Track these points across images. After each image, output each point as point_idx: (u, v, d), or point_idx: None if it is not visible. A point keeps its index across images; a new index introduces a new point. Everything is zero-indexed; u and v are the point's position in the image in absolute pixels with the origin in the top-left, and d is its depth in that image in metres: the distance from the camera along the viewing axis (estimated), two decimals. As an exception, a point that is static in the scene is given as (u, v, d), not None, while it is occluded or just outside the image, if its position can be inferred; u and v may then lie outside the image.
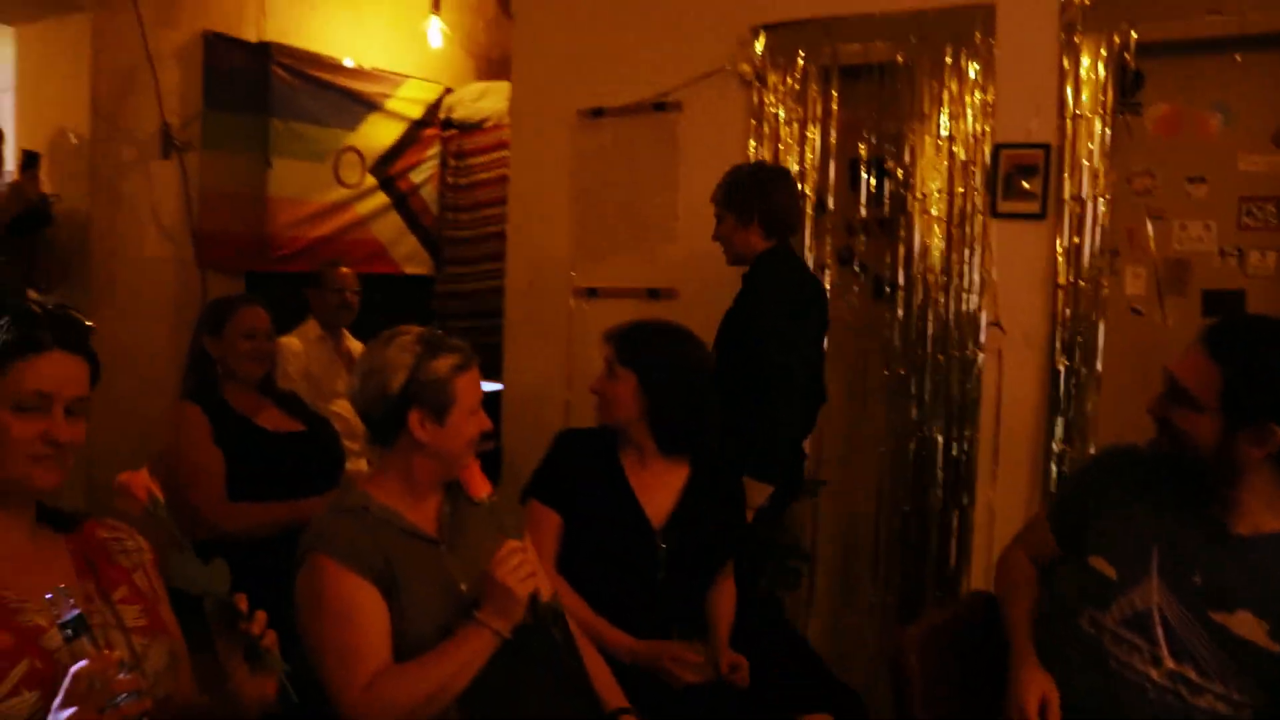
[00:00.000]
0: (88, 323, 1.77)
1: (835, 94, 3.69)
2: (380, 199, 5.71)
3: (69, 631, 1.46)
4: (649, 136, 4.05)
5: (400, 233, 5.84)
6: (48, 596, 1.51)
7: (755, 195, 3.21)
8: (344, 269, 4.59)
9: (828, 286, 3.67)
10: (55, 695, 1.41)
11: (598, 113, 4.17)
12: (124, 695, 1.39)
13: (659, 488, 2.53)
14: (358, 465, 3.94)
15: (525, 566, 1.93)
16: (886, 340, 3.65)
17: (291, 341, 4.34)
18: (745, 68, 3.81)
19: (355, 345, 4.72)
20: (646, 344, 2.55)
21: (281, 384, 3.48)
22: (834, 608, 3.89)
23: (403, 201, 5.83)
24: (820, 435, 3.67)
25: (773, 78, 3.76)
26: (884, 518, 3.68)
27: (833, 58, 3.68)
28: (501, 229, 5.71)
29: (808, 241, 3.73)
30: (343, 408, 4.36)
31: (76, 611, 1.47)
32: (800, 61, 3.71)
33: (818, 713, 2.35)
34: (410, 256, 5.91)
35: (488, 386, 4.65)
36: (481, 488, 2.05)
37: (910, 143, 3.55)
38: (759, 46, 3.77)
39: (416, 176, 5.91)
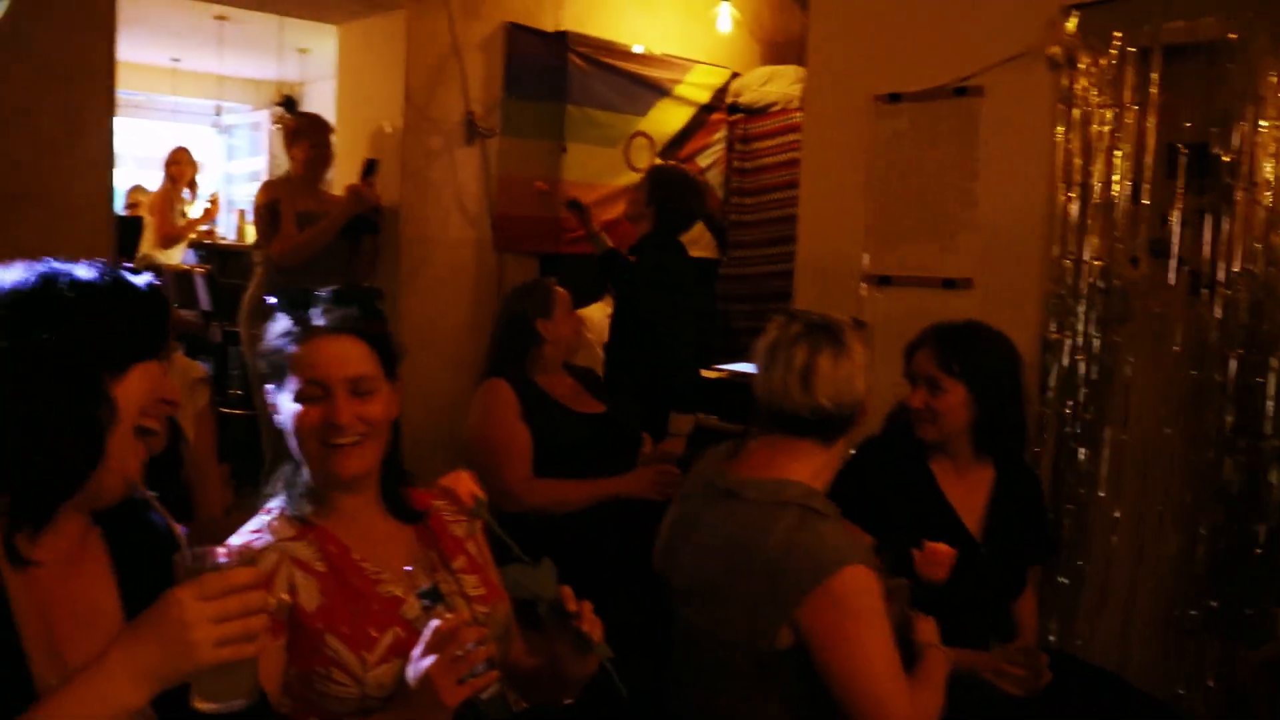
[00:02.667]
0: (374, 300, 1.81)
1: (1155, 76, 3.47)
2: (669, 183, 5.80)
3: (427, 601, 1.57)
4: (948, 122, 3.92)
5: (687, 217, 5.92)
6: (408, 568, 1.62)
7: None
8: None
9: (1138, 280, 3.47)
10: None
11: (895, 98, 4.08)
12: (480, 666, 1.49)
13: (969, 492, 2.44)
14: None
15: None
16: (1200, 340, 3.41)
17: (592, 311, 4.49)
18: (1055, 50, 3.62)
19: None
20: (969, 348, 2.42)
21: (583, 356, 3.60)
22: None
23: (690, 186, 5.90)
24: (1123, 436, 3.48)
25: (1084, 60, 3.56)
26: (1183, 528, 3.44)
27: (1153, 37, 3.45)
28: (787, 214, 5.71)
29: (1118, 232, 3.53)
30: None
31: (433, 582, 1.58)
32: (1116, 42, 3.50)
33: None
34: (696, 240, 5.97)
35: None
36: None
37: (1241, 128, 3.30)
38: (1070, 26, 3.58)
39: (703, 160, 5.98)
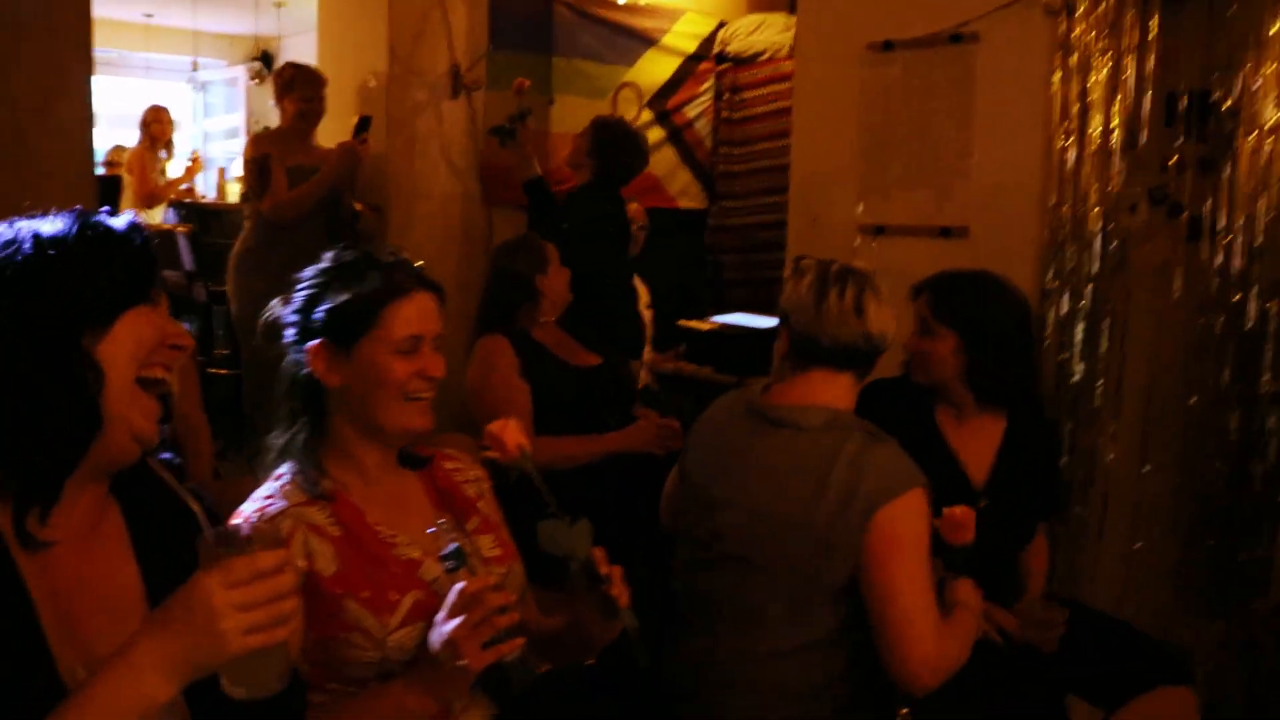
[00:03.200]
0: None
1: (1154, 22, 3.43)
2: (656, 133, 5.76)
3: (450, 563, 1.55)
4: (943, 70, 3.88)
5: (675, 167, 5.89)
6: (430, 530, 1.61)
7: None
8: (634, 204, 4.66)
9: (1137, 228, 3.45)
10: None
11: (888, 46, 4.02)
12: (503, 632, 1.47)
13: (977, 443, 2.45)
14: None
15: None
16: (1202, 287, 3.40)
17: None
18: (1052, -5, 3.59)
19: (637, 280, 4.80)
20: (965, 298, 2.44)
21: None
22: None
23: (677, 136, 5.87)
24: (1120, 385, 3.48)
25: (1082, 5, 3.52)
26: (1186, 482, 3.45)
27: (1152, -19, 3.42)
28: (776, 164, 5.67)
29: (1115, 180, 3.51)
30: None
31: (456, 544, 1.56)
32: (1115, -14, 3.47)
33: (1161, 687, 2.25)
34: (684, 191, 5.94)
35: (764, 322, 4.67)
36: None
37: (1244, 73, 3.27)
38: (1068, -29, 3.54)
39: (691, 111, 5.92)
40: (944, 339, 2.41)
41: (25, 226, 1.22)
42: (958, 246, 3.78)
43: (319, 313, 1.68)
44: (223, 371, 5.73)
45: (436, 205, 4.99)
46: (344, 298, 1.67)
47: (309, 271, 1.75)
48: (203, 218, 6.71)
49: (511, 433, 1.74)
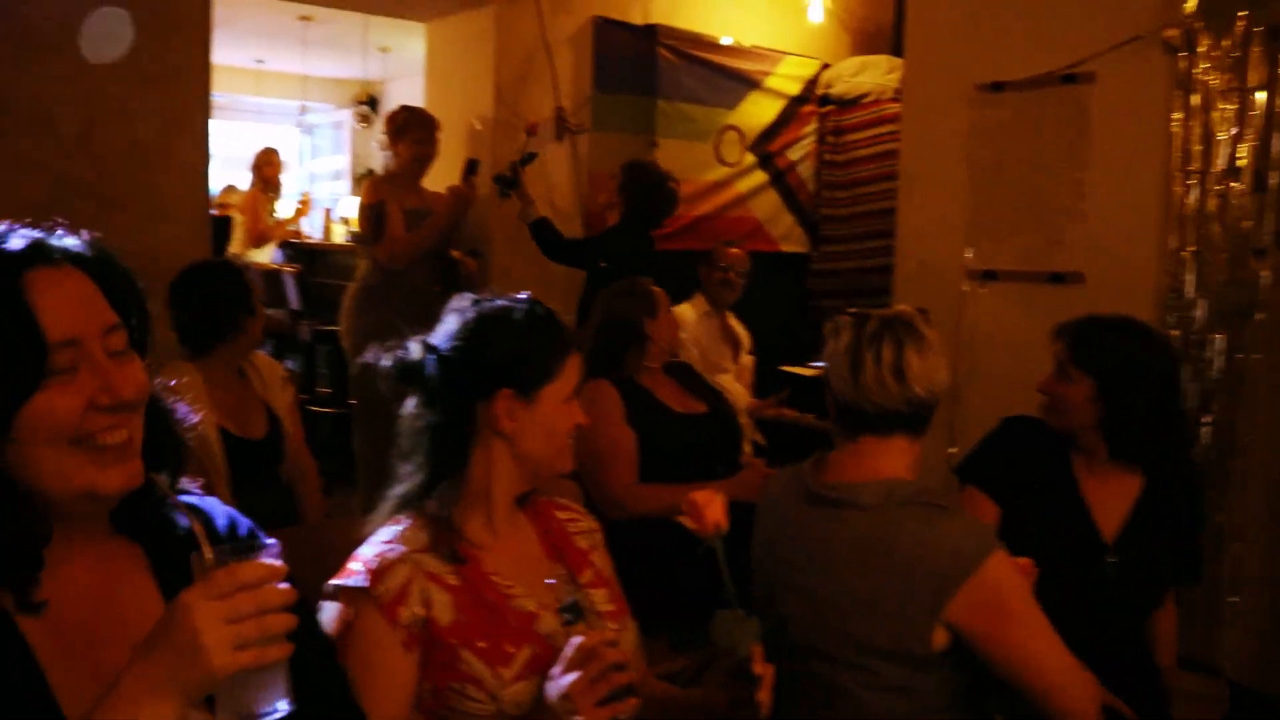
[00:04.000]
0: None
1: (1282, 58, 3.31)
2: (759, 177, 5.74)
3: (569, 616, 1.52)
4: (1056, 110, 3.79)
5: (777, 210, 5.85)
6: (550, 581, 1.58)
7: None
8: (735, 250, 4.64)
9: (1264, 275, 3.31)
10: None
11: (998, 86, 3.95)
12: (620, 689, 1.43)
13: (1110, 496, 2.32)
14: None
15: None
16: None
17: (684, 310, 4.43)
18: (1172, 32, 3.48)
19: (737, 324, 4.75)
20: (1105, 344, 2.31)
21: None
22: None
23: (780, 179, 5.84)
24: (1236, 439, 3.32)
25: (1204, 42, 3.42)
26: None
27: (1280, 16, 3.31)
28: (880, 207, 5.61)
29: (1239, 225, 3.37)
30: (729, 383, 4.41)
31: (574, 598, 1.53)
32: (1240, 21, 3.35)
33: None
34: (787, 234, 5.91)
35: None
36: None
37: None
38: (1189, 6, 3.44)
39: (794, 154, 5.89)
40: (1080, 384, 2.29)
41: None
42: (1071, 292, 3.68)
43: (503, 361, 1.67)
44: (326, 410, 5.81)
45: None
46: (532, 349, 1.68)
47: (461, 320, 1.71)
48: (309, 258, 6.84)
49: (714, 509, 1.69)
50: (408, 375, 1.69)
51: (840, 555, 1.93)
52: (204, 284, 3.04)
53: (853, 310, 2.05)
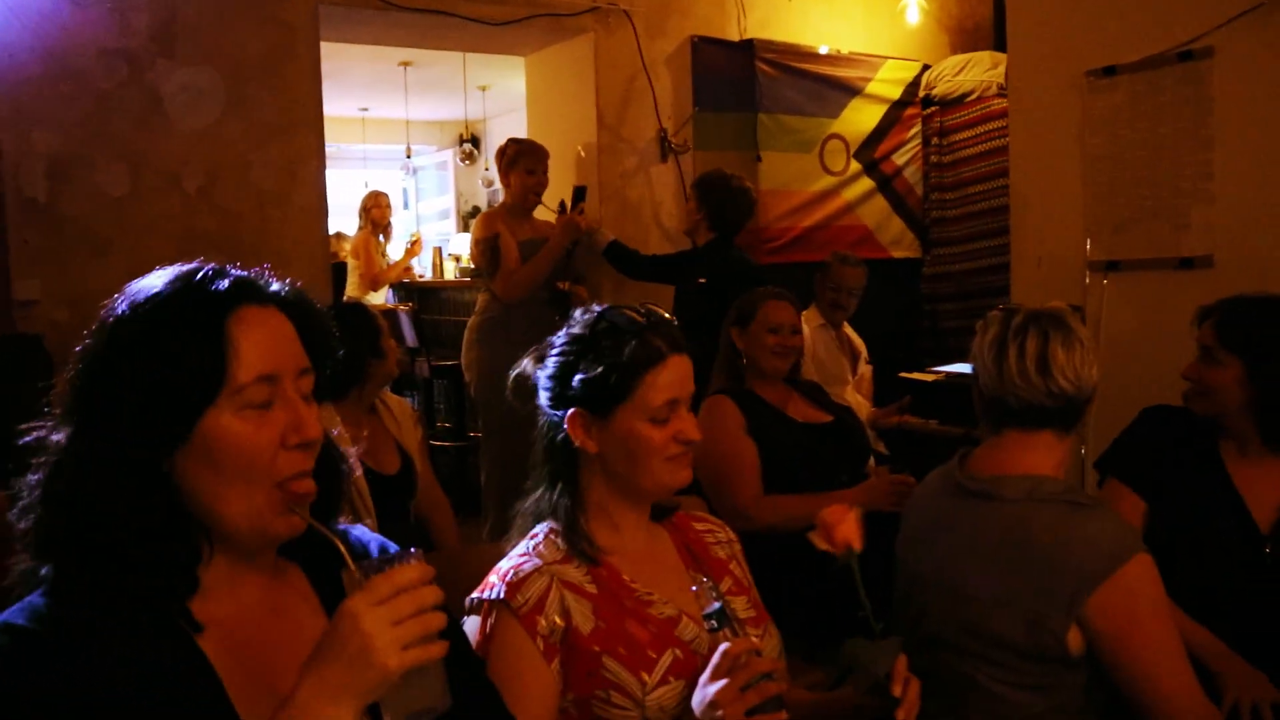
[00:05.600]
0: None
1: None
2: (865, 184, 5.68)
3: (713, 623, 1.51)
4: (1174, 90, 3.67)
5: (886, 216, 5.78)
6: (693, 589, 1.57)
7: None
8: (851, 269, 4.56)
9: None
10: (695, 684, 1.48)
11: (1109, 70, 3.85)
12: (762, 675, 1.41)
13: (1264, 484, 2.21)
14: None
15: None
16: None
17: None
18: (1294, 0, 3.36)
19: (853, 334, 4.70)
20: (1255, 324, 2.22)
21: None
22: None
23: (887, 184, 5.77)
24: None
25: (1331, 7, 3.29)
26: None
27: None
28: (992, 206, 5.50)
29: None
30: (850, 395, 4.36)
31: (718, 604, 1.52)
32: (1366, -16, 3.22)
33: None
34: (897, 240, 5.83)
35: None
36: None
37: None
38: (1310, -28, 3.31)
39: (899, 158, 5.81)
40: (1229, 367, 2.20)
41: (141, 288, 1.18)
42: (1201, 277, 3.55)
43: (575, 382, 1.67)
44: (445, 444, 5.90)
45: (648, 269, 5.03)
46: (599, 369, 1.65)
47: (562, 336, 1.73)
48: (421, 296, 6.97)
49: (846, 527, 1.65)
50: (518, 390, 1.75)
51: (980, 548, 1.91)
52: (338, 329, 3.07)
53: (1003, 306, 2.04)
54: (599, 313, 1.72)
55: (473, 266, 5.49)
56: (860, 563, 1.64)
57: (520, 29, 4.77)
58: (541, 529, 1.70)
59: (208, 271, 1.19)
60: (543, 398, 1.72)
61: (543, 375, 1.72)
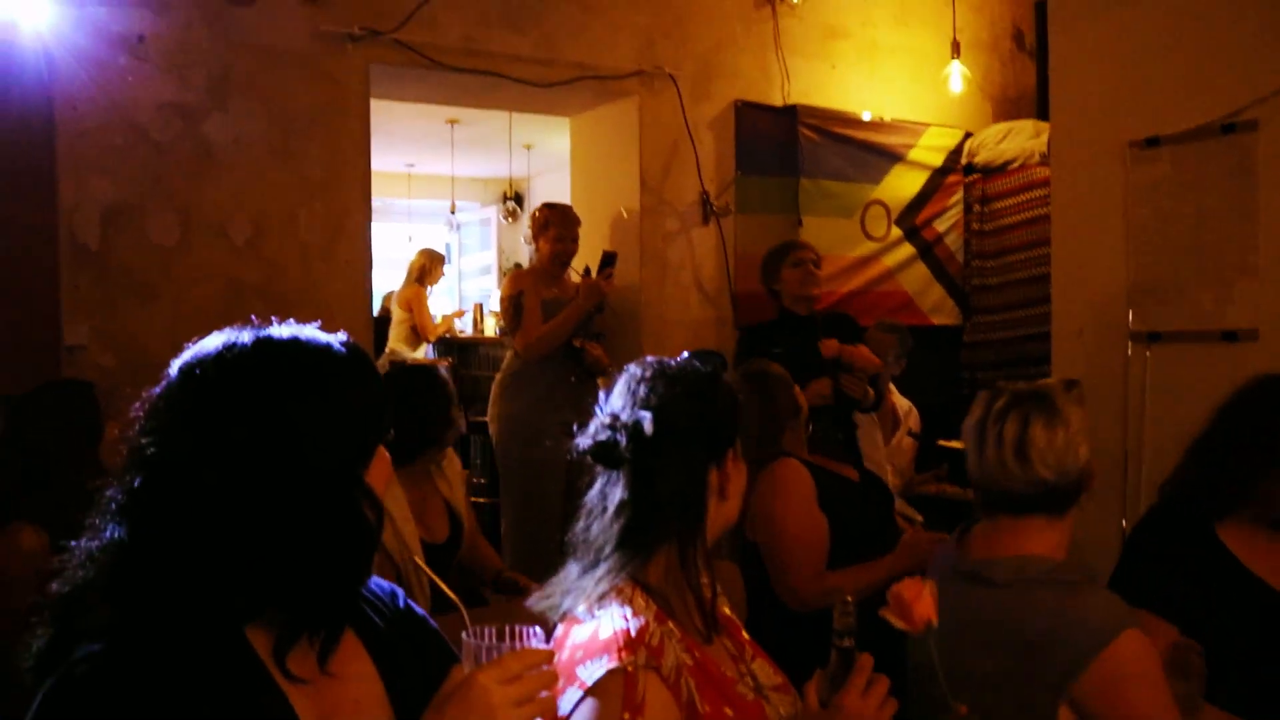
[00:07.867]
0: None
1: None
2: (906, 250, 5.68)
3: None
4: (1217, 162, 3.67)
5: (927, 283, 5.78)
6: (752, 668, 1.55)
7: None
8: (881, 334, 4.56)
9: None
10: None
11: (1153, 141, 3.85)
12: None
13: (1275, 556, 2.13)
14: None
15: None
16: None
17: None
18: (1339, 74, 3.35)
19: (900, 401, 4.67)
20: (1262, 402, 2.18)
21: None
22: None
23: (928, 251, 5.77)
24: None
25: (1377, 81, 3.28)
26: None
27: None
28: (1032, 274, 5.48)
29: None
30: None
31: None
32: None
33: None
34: (937, 307, 5.81)
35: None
36: None
37: None
38: (1355, 48, 3.31)
39: (941, 225, 5.82)
40: None
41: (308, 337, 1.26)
42: (1245, 350, 3.53)
43: (727, 419, 1.64)
44: (480, 500, 5.90)
45: (689, 331, 5.04)
46: (737, 404, 1.66)
47: (668, 386, 1.61)
48: (461, 351, 7.02)
49: (924, 605, 1.61)
50: (608, 455, 1.59)
51: (972, 631, 1.87)
52: (413, 393, 2.99)
53: (999, 383, 2.00)
54: (688, 359, 1.69)
55: (504, 323, 5.52)
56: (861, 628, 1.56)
57: (566, 90, 4.84)
58: (627, 594, 1.56)
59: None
60: (669, 450, 1.58)
61: (671, 425, 1.58)
